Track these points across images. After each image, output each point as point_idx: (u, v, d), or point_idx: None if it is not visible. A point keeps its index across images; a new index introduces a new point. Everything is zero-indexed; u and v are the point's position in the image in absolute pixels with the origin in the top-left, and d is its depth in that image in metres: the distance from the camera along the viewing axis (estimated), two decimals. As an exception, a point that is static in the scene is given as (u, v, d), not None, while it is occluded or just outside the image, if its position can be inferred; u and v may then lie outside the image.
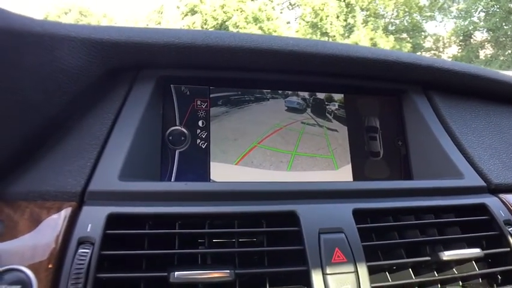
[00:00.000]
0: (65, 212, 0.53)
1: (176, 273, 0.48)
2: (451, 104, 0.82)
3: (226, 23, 14.93)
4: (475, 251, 0.60)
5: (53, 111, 0.58)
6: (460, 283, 0.61)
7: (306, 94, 0.77)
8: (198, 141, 0.71)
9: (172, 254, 0.53)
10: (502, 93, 0.87)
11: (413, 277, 0.58)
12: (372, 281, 0.54)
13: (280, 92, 0.76)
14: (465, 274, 0.60)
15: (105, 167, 0.58)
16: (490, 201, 0.68)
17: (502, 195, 0.70)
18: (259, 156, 0.72)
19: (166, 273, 0.49)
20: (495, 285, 0.62)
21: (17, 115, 0.55)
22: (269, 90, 0.75)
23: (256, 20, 14.77)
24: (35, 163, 0.57)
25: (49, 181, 0.56)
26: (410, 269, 0.59)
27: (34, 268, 0.48)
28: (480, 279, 0.62)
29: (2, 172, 0.55)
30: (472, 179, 0.71)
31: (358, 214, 0.59)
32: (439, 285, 0.60)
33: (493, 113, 0.86)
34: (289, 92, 0.76)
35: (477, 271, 0.61)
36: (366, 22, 14.25)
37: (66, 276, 0.48)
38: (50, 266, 0.49)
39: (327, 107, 0.78)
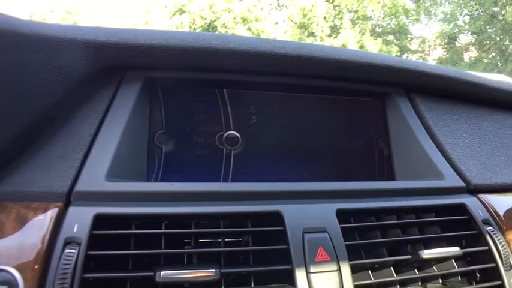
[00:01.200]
0: (51, 213, 0.53)
1: (162, 272, 0.49)
2: (433, 106, 0.84)
3: (215, 23, 14.91)
4: (455, 250, 0.62)
5: (39, 112, 0.58)
6: (440, 281, 0.63)
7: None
8: (185, 141, 0.71)
9: (158, 254, 0.53)
10: (482, 96, 0.89)
11: (395, 275, 0.60)
12: (354, 279, 0.55)
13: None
14: (445, 272, 0.62)
15: (92, 168, 0.58)
16: (469, 201, 0.70)
17: (481, 196, 0.73)
18: (246, 157, 0.73)
19: (152, 273, 0.49)
20: (474, 282, 0.64)
21: (2, 115, 0.55)
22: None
23: (244, 20, 14.79)
24: (21, 164, 0.57)
25: (35, 182, 0.56)
26: (391, 268, 0.60)
27: (20, 268, 0.48)
28: (459, 276, 0.64)
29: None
30: (452, 180, 0.73)
31: (341, 214, 0.61)
32: (420, 283, 0.62)
33: (474, 115, 0.89)
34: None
35: (456, 269, 0.63)
36: (353, 24, 14.38)
37: (53, 277, 0.48)
38: (36, 266, 0.49)
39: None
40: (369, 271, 0.59)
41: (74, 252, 0.50)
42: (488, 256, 0.65)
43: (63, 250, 0.50)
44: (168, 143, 0.71)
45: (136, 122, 0.67)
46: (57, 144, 0.59)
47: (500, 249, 0.66)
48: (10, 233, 0.51)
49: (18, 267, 0.48)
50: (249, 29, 14.60)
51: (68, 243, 0.51)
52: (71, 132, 0.61)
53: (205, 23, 15.11)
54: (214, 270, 0.51)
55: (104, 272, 0.50)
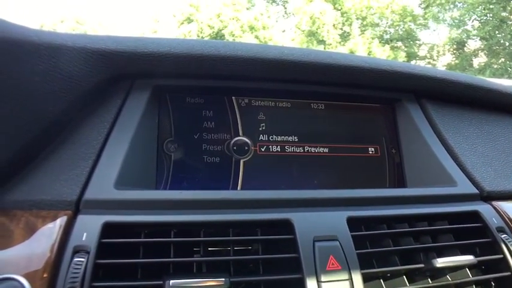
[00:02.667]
0: (60, 221, 0.53)
1: (172, 281, 0.49)
2: (444, 112, 0.83)
3: (222, 31, 15.02)
4: (469, 258, 0.60)
5: (48, 120, 0.58)
6: None
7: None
8: (194, 149, 0.71)
9: (167, 263, 0.53)
10: (494, 102, 0.88)
11: (408, 284, 0.59)
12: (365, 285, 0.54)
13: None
14: (459, 281, 0.61)
15: (101, 176, 0.58)
16: (483, 208, 0.69)
17: (495, 203, 0.71)
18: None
19: (161, 282, 0.49)
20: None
21: (13, 124, 0.55)
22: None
23: (252, 28, 14.88)
24: (30, 172, 0.57)
25: (44, 190, 0.56)
26: (404, 276, 0.59)
27: (29, 277, 0.48)
28: (474, 286, 0.62)
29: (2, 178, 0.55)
30: (464, 187, 0.72)
31: (352, 222, 0.60)
32: None
33: (485, 121, 0.87)
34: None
35: (471, 278, 0.61)
36: (362, 31, 14.38)
37: (62, 285, 0.48)
38: (45, 275, 0.49)
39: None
40: (381, 280, 0.58)
41: (82, 261, 0.50)
42: (504, 264, 0.63)
43: (72, 258, 0.50)
44: (176, 151, 0.70)
45: (145, 129, 0.67)
46: (66, 153, 0.59)
47: (515, 254, 0.64)
48: (19, 242, 0.51)
49: (26, 276, 0.48)
50: (256, 37, 14.67)
51: (76, 251, 0.51)
52: (79, 140, 0.61)
53: (213, 32, 15.23)
54: (223, 279, 0.50)
55: (113, 281, 0.50)
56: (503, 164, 0.79)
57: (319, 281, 0.53)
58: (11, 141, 0.55)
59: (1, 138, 0.54)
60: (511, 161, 0.80)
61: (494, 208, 0.70)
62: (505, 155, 0.81)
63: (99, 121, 0.63)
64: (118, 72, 0.64)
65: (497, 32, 12.71)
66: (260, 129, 0.74)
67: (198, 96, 0.74)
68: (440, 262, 0.58)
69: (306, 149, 0.75)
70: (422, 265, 0.59)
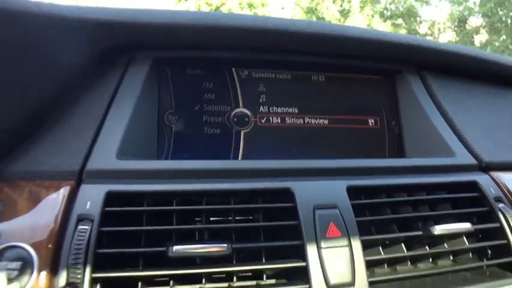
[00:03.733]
0: (64, 191, 0.54)
1: (175, 247, 0.50)
2: (445, 84, 0.83)
3: (221, 9, 14.78)
4: (466, 226, 0.61)
5: (49, 92, 0.58)
6: (451, 257, 0.63)
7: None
8: (194, 121, 0.71)
9: (170, 230, 0.54)
10: (497, 75, 0.88)
11: (406, 251, 0.60)
12: (365, 255, 0.55)
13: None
14: (456, 248, 0.62)
15: (103, 146, 0.59)
16: (481, 178, 0.69)
17: (493, 173, 0.72)
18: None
19: (164, 248, 0.50)
20: (485, 259, 0.64)
21: (14, 95, 0.55)
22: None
23: (250, 6, 14.64)
24: (33, 144, 0.57)
25: (47, 161, 0.56)
26: (402, 244, 0.60)
27: (35, 245, 0.49)
28: (470, 253, 0.64)
29: (2, 152, 0.55)
30: (463, 158, 0.72)
31: (352, 191, 0.61)
32: (431, 260, 0.62)
33: (487, 94, 0.87)
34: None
35: (467, 245, 0.63)
36: (362, 8, 14.16)
37: (67, 252, 0.49)
38: (50, 243, 0.50)
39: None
40: (380, 247, 0.59)
41: (87, 229, 0.50)
42: (500, 233, 0.65)
43: (76, 226, 0.51)
44: (177, 123, 0.70)
45: (146, 101, 0.67)
46: (67, 124, 0.60)
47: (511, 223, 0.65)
48: (24, 211, 0.52)
49: (32, 244, 0.49)
50: (254, 14, 14.46)
51: (80, 219, 0.51)
52: (81, 112, 0.61)
53: (211, 9, 14.98)
54: (225, 245, 0.51)
55: (117, 248, 0.51)
56: (503, 136, 0.79)
57: (319, 247, 0.54)
58: (14, 113, 0.55)
59: (3, 109, 0.54)
60: (511, 130, 0.81)
61: (492, 178, 0.71)
62: (505, 127, 0.82)
63: (99, 93, 0.63)
64: (117, 42, 0.64)
65: (499, 9, 12.51)
66: (260, 100, 0.74)
67: (198, 68, 0.73)
68: (438, 230, 0.59)
69: (306, 121, 0.75)
70: (420, 232, 0.60)
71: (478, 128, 0.78)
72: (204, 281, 0.51)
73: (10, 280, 0.47)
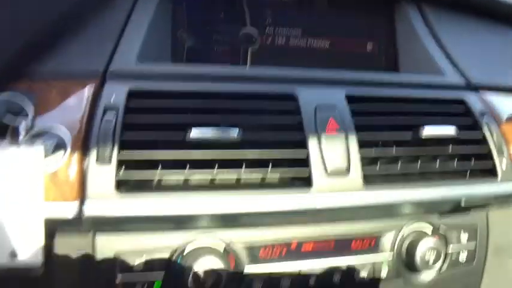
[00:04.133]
0: (90, 87, 0.60)
1: (192, 131, 0.56)
2: (442, 16, 0.87)
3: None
4: (451, 131, 0.67)
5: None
6: (438, 161, 0.69)
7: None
8: (205, 39, 0.76)
9: (188, 123, 0.59)
10: (496, 12, 0.91)
11: (395, 152, 0.66)
12: (360, 151, 0.62)
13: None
14: (442, 153, 0.68)
15: (124, 52, 0.64)
16: (468, 96, 0.75)
17: (481, 93, 0.78)
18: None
19: (183, 133, 0.56)
20: (470, 164, 0.70)
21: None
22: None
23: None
24: (61, 47, 0.63)
25: (74, 62, 0.62)
26: (394, 146, 0.66)
27: (67, 129, 0.56)
28: (456, 160, 0.70)
29: (35, 54, 0.61)
30: (454, 77, 0.78)
31: (350, 98, 0.66)
32: (419, 163, 0.68)
33: (484, 28, 0.90)
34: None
35: (453, 151, 0.69)
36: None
37: (96, 137, 0.55)
38: (80, 128, 0.56)
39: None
40: (373, 148, 0.65)
41: (112, 118, 0.57)
42: (483, 142, 0.71)
43: (103, 116, 0.57)
44: (189, 40, 0.76)
45: (161, 18, 0.72)
46: (91, 32, 0.65)
47: (495, 136, 0.72)
48: (56, 103, 0.58)
49: (65, 128, 0.55)
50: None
51: (107, 109, 0.58)
52: (103, 23, 0.66)
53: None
54: (237, 130, 0.57)
55: (140, 135, 0.57)
56: (494, 63, 0.84)
57: (319, 140, 0.61)
58: (42, 16, 0.60)
59: (34, 13, 0.59)
60: (503, 63, 0.86)
61: (480, 97, 0.77)
62: (497, 57, 0.86)
63: (118, 7, 0.68)
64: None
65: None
66: (266, 22, 0.79)
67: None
68: (426, 132, 0.65)
69: (308, 43, 0.81)
70: (410, 132, 0.66)
71: (470, 54, 0.83)
72: (216, 166, 0.58)
73: (47, 155, 0.54)
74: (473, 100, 0.75)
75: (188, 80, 0.64)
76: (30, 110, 0.55)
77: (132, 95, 0.60)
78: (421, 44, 0.83)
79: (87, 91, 0.60)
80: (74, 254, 0.60)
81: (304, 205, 0.59)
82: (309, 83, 0.68)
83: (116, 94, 0.59)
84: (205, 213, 0.57)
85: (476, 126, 0.72)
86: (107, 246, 0.60)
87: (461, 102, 0.74)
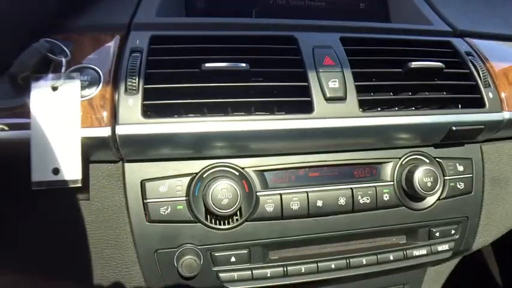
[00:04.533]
0: (118, 36, 0.70)
1: (206, 64, 0.64)
2: None
3: None
4: (438, 63, 0.74)
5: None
6: (427, 93, 0.76)
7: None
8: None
9: (203, 59, 0.66)
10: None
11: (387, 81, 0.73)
12: (355, 80, 0.70)
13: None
14: (433, 82, 0.75)
15: (145, 8, 0.74)
16: (455, 39, 0.83)
17: (466, 38, 0.85)
18: None
19: (198, 66, 0.64)
20: (459, 95, 0.77)
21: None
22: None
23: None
24: (91, 5, 0.73)
25: (103, 17, 0.73)
26: (386, 77, 0.73)
27: (99, 66, 0.65)
28: (445, 92, 0.77)
29: (70, 9, 0.71)
30: (441, 26, 0.86)
31: (344, 40, 0.75)
32: (410, 93, 0.75)
33: None
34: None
35: (443, 82, 0.76)
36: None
37: (124, 71, 0.64)
38: (111, 64, 0.65)
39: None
40: (367, 78, 0.72)
41: (138, 56, 0.66)
42: (470, 77, 0.78)
43: (130, 55, 0.66)
44: (200, 2, 0.86)
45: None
46: None
47: (480, 71, 0.78)
48: (89, 48, 0.68)
49: (98, 65, 0.65)
50: None
51: (133, 51, 0.67)
52: None
53: None
54: (245, 64, 0.66)
55: (162, 69, 0.66)
56: (478, 12, 0.92)
57: (318, 72, 0.69)
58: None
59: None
60: (486, 11, 0.93)
61: (465, 41, 0.84)
62: (481, 6, 0.94)
63: None
64: None
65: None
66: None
67: None
68: (414, 64, 0.72)
69: (306, 3, 0.90)
70: (400, 70, 0.73)
71: (456, 6, 0.91)
72: (228, 95, 0.66)
73: (83, 88, 0.63)
74: (459, 43, 0.82)
75: (201, 28, 0.73)
76: (69, 51, 0.65)
77: (154, 39, 0.69)
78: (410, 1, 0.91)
79: (115, 39, 0.69)
80: (105, 180, 0.68)
81: (308, 126, 0.67)
82: (307, 29, 0.76)
83: (139, 40, 0.68)
84: (220, 131, 0.64)
85: (463, 63, 0.79)
86: (134, 173, 0.68)
87: (448, 43, 0.81)
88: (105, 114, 0.62)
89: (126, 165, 0.68)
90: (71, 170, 0.62)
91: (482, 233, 0.86)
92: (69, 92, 0.62)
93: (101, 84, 0.64)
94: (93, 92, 0.63)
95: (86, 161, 0.66)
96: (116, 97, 0.63)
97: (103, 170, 0.68)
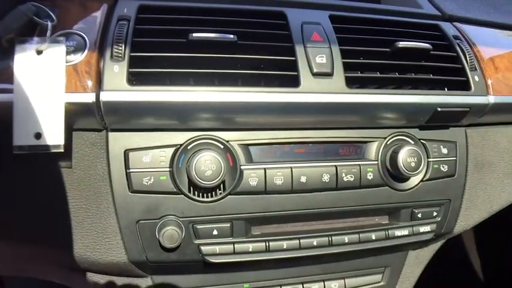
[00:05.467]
0: (106, 3, 0.69)
1: (194, 34, 0.64)
2: None
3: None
4: (425, 44, 0.75)
5: None
6: (413, 74, 0.77)
7: None
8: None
9: (190, 30, 0.66)
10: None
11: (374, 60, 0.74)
12: (342, 57, 0.70)
13: None
14: (419, 63, 0.76)
15: None
16: (443, 23, 0.84)
17: (454, 23, 0.86)
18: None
19: (186, 36, 0.64)
20: (446, 77, 0.77)
21: None
22: None
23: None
24: None
25: None
26: (373, 56, 0.74)
27: (85, 32, 0.64)
28: (431, 74, 0.78)
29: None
30: (430, 9, 0.87)
31: (333, 18, 0.75)
32: (397, 73, 0.75)
33: None
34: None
35: (429, 63, 0.76)
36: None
37: (111, 38, 0.64)
38: (97, 30, 0.65)
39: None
40: (354, 56, 0.73)
41: (125, 24, 0.65)
42: (457, 60, 0.79)
43: (117, 22, 0.65)
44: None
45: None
46: None
47: (467, 55, 0.79)
48: (75, 14, 0.67)
49: (83, 31, 0.64)
50: None
51: (120, 19, 0.66)
52: None
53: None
54: (233, 36, 0.65)
55: (148, 38, 0.65)
56: (466, 1, 0.93)
57: (305, 47, 0.69)
58: None
59: None
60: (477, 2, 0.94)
61: (453, 25, 0.85)
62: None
63: None
64: None
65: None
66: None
67: None
68: (402, 44, 0.73)
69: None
70: (388, 49, 0.74)
71: None
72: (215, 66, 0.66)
73: (68, 53, 0.62)
74: (447, 26, 0.83)
75: (190, 0, 0.72)
76: (55, 16, 0.64)
77: (142, 8, 0.68)
78: None
79: (103, 7, 0.68)
80: (88, 148, 0.67)
81: (294, 100, 0.67)
82: (297, 6, 0.76)
83: (127, 8, 0.68)
84: (206, 102, 0.64)
85: (450, 46, 0.80)
86: (117, 143, 0.67)
87: (436, 26, 0.82)
88: (90, 80, 0.61)
89: (110, 134, 0.67)
90: (54, 135, 0.61)
91: (464, 217, 0.87)
92: (53, 56, 0.61)
93: (86, 50, 0.63)
94: (78, 57, 0.62)
95: (69, 129, 0.65)
96: (102, 64, 0.62)
97: (86, 138, 0.67)
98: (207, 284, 0.82)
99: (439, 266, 1.02)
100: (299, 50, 0.69)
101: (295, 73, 0.68)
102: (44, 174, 0.67)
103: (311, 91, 0.68)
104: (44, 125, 0.61)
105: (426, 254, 0.96)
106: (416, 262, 0.96)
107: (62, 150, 0.61)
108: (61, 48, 0.62)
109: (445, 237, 0.91)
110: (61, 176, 0.67)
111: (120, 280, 0.79)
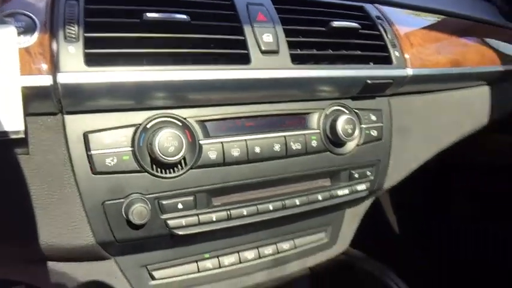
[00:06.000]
0: None
1: (148, 14, 0.66)
2: None
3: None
4: (355, 24, 0.85)
5: None
6: (344, 51, 0.86)
7: None
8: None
9: (143, 10, 0.66)
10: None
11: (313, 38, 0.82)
12: (286, 36, 0.77)
13: None
14: (347, 41, 0.85)
15: None
16: (367, 5, 0.95)
17: (376, 5, 0.97)
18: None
19: (139, 16, 0.66)
20: (371, 53, 0.88)
21: None
22: None
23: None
24: None
25: None
26: (312, 35, 0.82)
27: (34, 12, 0.62)
28: (360, 49, 0.88)
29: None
30: None
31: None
32: (331, 50, 0.84)
33: None
34: None
35: (356, 41, 0.87)
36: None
37: (62, 20, 0.63)
38: (46, 11, 0.63)
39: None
40: (296, 35, 0.80)
41: (75, 3, 0.65)
42: (380, 38, 0.90)
43: (66, 2, 0.64)
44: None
45: None
46: None
47: (388, 34, 0.91)
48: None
49: (32, 11, 0.62)
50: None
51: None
52: None
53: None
54: (186, 16, 0.68)
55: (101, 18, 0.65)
56: None
57: (253, 27, 0.74)
58: None
59: None
60: None
61: (375, 7, 0.96)
62: None
63: None
64: None
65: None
66: None
67: None
68: (336, 24, 0.82)
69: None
70: (324, 24, 0.82)
71: None
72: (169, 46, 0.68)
73: (18, 35, 0.60)
74: (370, 8, 0.94)
75: None
76: (-3, -4, 0.61)
77: None
78: None
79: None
80: (44, 133, 0.66)
81: (246, 77, 0.72)
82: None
83: None
84: (159, 81, 0.66)
85: (374, 26, 0.91)
86: (75, 125, 0.67)
87: (361, 8, 0.93)
88: (44, 62, 0.60)
89: (66, 117, 0.67)
90: (12, 121, 0.59)
91: (391, 175, 1.01)
92: (4, 38, 0.59)
93: (37, 32, 0.61)
94: (30, 39, 0.61)
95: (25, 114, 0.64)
96: (55, 45, 0.62)
97: (41, 123, 0.66)
98: (170, 259, 0.85)
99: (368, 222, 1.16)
100: (247, 29, 0.74)
101: (246, 51, 0.73)
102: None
103: (261, 67, 0.74)
104: (1, 110, 0.59)
105: (360, 210, 1.10)
106: (352, 219, 1.09)
107: (23, 136, 0.60)
108: (11, 29, 0.60)
109: (376, 193, 1.04)
110: (18, 163, 0.65)
111: (83, 266, 0.79)
